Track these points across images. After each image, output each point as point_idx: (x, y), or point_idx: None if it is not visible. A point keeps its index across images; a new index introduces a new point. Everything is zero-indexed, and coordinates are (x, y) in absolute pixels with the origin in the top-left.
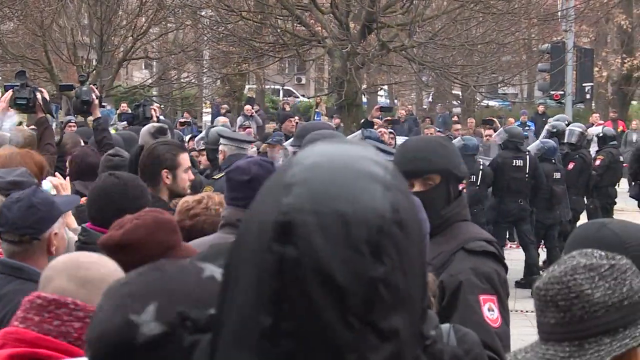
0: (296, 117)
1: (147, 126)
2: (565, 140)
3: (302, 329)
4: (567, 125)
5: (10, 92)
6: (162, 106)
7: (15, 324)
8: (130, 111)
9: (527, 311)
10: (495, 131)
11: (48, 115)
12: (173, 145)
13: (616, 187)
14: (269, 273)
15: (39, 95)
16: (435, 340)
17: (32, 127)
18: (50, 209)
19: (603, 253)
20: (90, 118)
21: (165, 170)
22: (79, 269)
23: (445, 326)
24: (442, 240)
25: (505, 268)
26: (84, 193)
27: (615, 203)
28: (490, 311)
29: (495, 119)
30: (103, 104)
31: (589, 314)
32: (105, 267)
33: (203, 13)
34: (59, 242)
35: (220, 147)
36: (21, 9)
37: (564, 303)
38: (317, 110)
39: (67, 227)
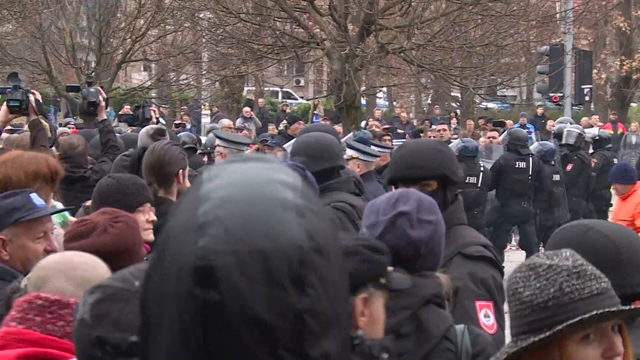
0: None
1: (145, 128)
2: (563, 142)
3: None
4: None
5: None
6: (161, 108)
7: (13, 325)
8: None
9: None
10: (504, 132)
11: (41, 117)
12: (181, 147)
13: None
14: (193, 319)
15: (32, 97)
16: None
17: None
18: (2, 215)
19: (556, 252)
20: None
21: (181, 170)
22: (75, 270)
23: (460, 327)
24: None
25: (502, 272)
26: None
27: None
28: (486, 317)
29: (506, 121)
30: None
31: (520, 311)
32: (102, 268)
33: (202, 15)
34: (13, 250)
35: (218, 149)
36: (20, 11)
37: (508, 299)
38: (315, 112)
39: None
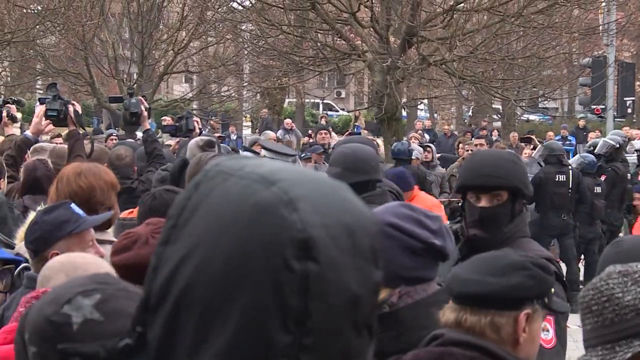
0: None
1: (195, 139)
2: (596, 151)
3: (322, 342)
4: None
5: (43, 107)
6: (211, 120)
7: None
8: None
9: (567, 327)
10: (534, 148)
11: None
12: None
13: None
14: (291, 292)
15: (70, 108)
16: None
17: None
18: (53, 229)
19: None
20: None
21: None
22: (76, 270)
23: None
24: None
25: (565, 286)
26: (32, 208)
27: None
28: (545, 331)
29: (533, 137)
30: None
31: (620, 316)
32: (102, 268)
33: (243, 27)
34: None
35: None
36: (63, 23)
37: (596, 307)
38: (356, 123)
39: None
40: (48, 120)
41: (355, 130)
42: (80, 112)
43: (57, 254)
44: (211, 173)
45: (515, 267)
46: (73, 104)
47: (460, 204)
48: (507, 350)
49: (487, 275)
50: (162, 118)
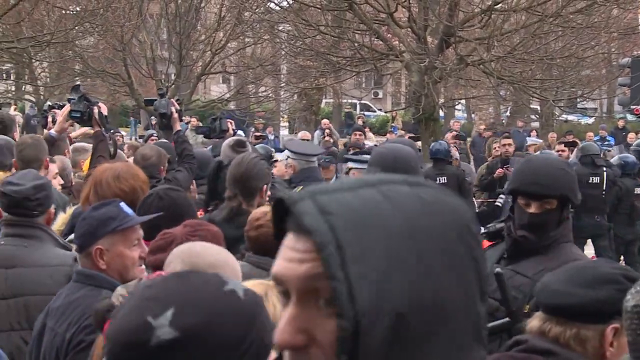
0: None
1: (227, 140)
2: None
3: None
4: None
5: (68, 106)
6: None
7: None
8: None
9: None
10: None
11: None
12: (266, 161)
13: None
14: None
15: (95, 109)
16: None
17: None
18: (99, 226)
19: None
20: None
21: (265, 185)
22: (190, 256)
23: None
24: (546, 258)
25: None
26: None
27: None
28: None
29: (577, 140)
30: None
31: None
32: (216, 255)
33: (281, 27)
34: (110, 259)
35: (289, 162)
36: (102, 24)
37: None
38: (393, 124)
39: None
40: (70, 120)
41: (392, 130)
42: (105, 113)
43: (102, 250)
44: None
45: (605, 280)
46: (98, 106)
47: (506, 205)
48: None
49: (576, 287)
50: (191, 119)
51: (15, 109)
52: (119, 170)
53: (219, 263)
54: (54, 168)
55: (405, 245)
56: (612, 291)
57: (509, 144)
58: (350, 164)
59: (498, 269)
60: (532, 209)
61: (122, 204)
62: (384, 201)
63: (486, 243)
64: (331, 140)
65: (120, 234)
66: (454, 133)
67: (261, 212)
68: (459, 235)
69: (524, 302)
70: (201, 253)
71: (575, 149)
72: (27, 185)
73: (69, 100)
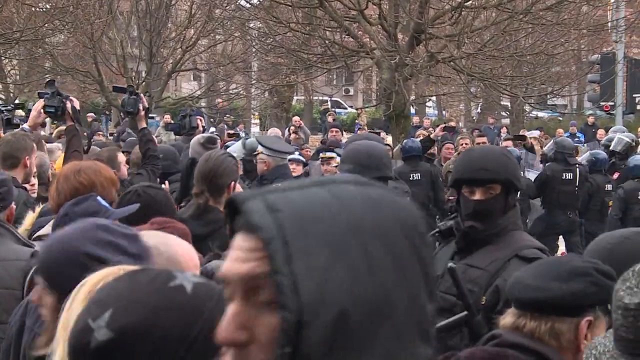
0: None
1: (197, 137)
2: (611, 148)
3: None
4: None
5: (41, 101)
6: (225, 117)
7: None
8: (174, 122)
9: None
10: (526, 148)
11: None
12: (234, 158)
13: None
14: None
15: (68, 104)
16: None
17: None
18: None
19: None
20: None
21: (233, 182)
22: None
23: None
24: (497, 247)
25: None
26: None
27: None
28: None
29: (527, 135)
30: (151, 115)
31: None
32: (153, 239)
33: (251, 25)
34: None
35: (261, 157)
36: (71, 21)
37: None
38: (357, 121)
39: None
40: (45, 115)
41: (355, 127)
42: (78, 108)
43: None
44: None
45: (578, 273)
46: (71, 100)
47: (455, 199)
48: (565, 358)
49: (549, 281)
50: (165, 116)
51: None
52: (82, 165)
53: (159, 247)
54: (33, 168)
55: (350, 241)
56: (585, 284)
57: (466, 143)
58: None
59: (451, 264)
60: (477, 196)
61: (99, 198)
62: (332, 199)
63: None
64: (302, 137)
65: None
66: (442, 125)
67: None
68: (405, 235)
69: (480, 295)
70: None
71: (551, 142)
72: None
73: (40, 95)
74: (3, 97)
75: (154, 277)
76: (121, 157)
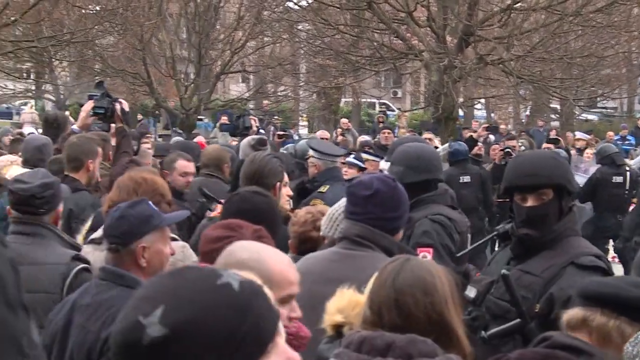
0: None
1: (247, 138)
2: None
3: None
4: None
5: (90, 102)
6: (273, 118)
7: None
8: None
9: None
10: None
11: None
12: (279, 159)
13: None
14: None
15: (117, 106)
16: None
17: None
18: (141, 223)
19: None
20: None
21: (278, 182)
22: (223, 257)
23: None
24: (553, 253)
25: None
26: None
27: None
28: None
29: (560, 138)
30: (200, 117)
31: None
32: (234, 256)
33: (300, 27)
34: (151, 256)
35: (313, 161)
36: (121, 24)
37: None
38: (397, 123)
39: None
40: (94, 117)
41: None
42: (127, 110)
43: (145, 247)
44: None
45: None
46: (120, 102)
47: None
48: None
49: (630, 285)
50: (222, 117)
51: (31, 107)
52: (142, 174)
53: (249, 262)
54: (96, 171)
55: None
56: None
57: (514, 147)
58: (364, 156)
59: (504, 271)
60: (529, 203)
61: (150, 203)
62: None
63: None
64: (350, 140)
65: (159, 232)
66: (485, 125)
67: (317, 211)
68: None
69: (534, 302)
70: (232, 250)
71: (594, 150)
72: (35, 184)
73: (90, 96)
74: (53, 98)
75: (201, 274)
76: (180, 164)
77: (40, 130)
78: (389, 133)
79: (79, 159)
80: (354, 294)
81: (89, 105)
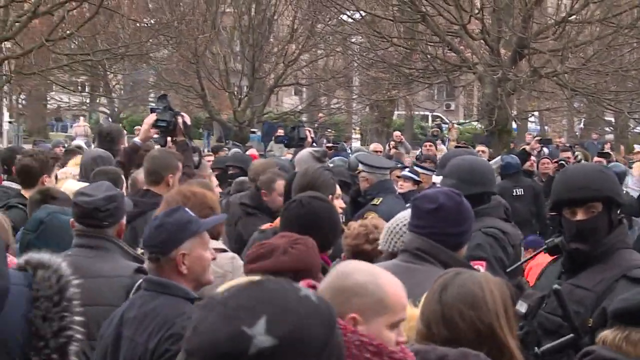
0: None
1: (307, 150)
2: None
3: None
4: None
5: (153, 115)
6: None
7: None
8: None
9: None
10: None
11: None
12: (331, 171)
13: None
14: None
15: (179, 119)
16: None
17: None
18: (179, 230)
19: None
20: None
21: (331, 195)
22: (334, 275)
23: None
24: (604, 267)
25: None
26: None
27: None
28: None
29: (611, 152)
30: (253, 129)
31: None
32: (352, 278)
33: (353, 39)
34: (191, 262)
35: (364, 175)
36: (175, 37)
37: None
38: (447, 135)
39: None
40: (156, 129)
41: (446, 142)
42: (189, 123)
43: (184, 254)
44: None
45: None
46: (182, 116)
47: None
48: None
49: None
50: (279, 130)
51: (84, 120)
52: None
53: (368, 286)
54: (176, 186)
55: None
56: None
57: (568, 158)
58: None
59: (556, 286)
60: (579, 216)
61: (187, 209)
62: None
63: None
64: (403, 152)
65: (199, 237)
66: (538, 138)
67: (371, 225)
68: None
69: (587, 316)
70: (344, 272)
71: None
72: (98, 197)
73: (151, 110)
74: (108, 111)
75: (281, 286)
76: (279, 185)
77: (93, 144)
78: (430, 145)
79: (159, 173)
80: (409, 307)
81: (151, 118)
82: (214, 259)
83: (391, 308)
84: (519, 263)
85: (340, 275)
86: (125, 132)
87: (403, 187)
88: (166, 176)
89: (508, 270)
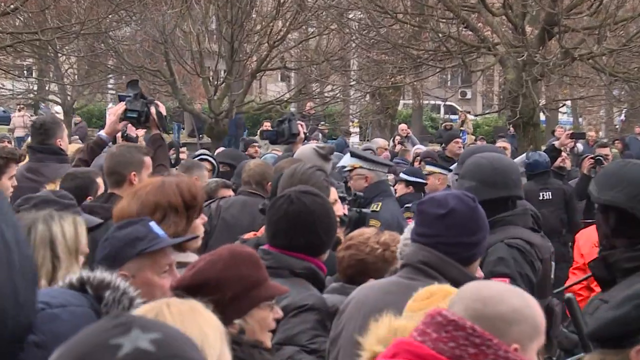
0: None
1: (311, 146)
2: None
3: None
4: None
5: (122, 104)
6: (321, 125)
7: (413, 335)
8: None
9: None
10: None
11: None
12: (323, 172)
13: None
14: None
15: (153, 109)
16: None
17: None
18: (121, 247)
19: None
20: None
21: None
22: (476, 301)
23: None
24: (638, 280)
25: None
26: None
27: None
28: None
29: (586, 132)
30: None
31: None
32: (506, 304)
33: (351, 15)
34: (137, 287)
35: (362, 172)
36: (140, 12)
37: None
38: (462, 128)
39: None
40: (125, 121)
41: (462, 136)
42: (164, 114)
43: (125, 276)
44: None
45: (629, 297)
46: (157, 105)
47: None
48: None
49: (606, 310)
50: (264, 123)
51: (25, 110)
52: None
53: (524, 311)
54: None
55: None
56: (630, 308)
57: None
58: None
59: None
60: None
61: (152, 223)
62: None
63: None
64: (409, 148)
65: (149, 258)
66: (569, 132)
67: (357, 232)
68: None
69: None
70: (486, 298)
71: None
72: None
73: (120, 97)
74: (59, 99)
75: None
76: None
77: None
78: (457, 142)
79: (119, 172)
80: (392, 320)
81: (119, 107)
82: (174, 287)
83: (541, 331)
84: (563, 287)
85: (488, 301)
86: (64, 125)
87: (397, 190)
88: (128, 175)
89: (537, 288)
